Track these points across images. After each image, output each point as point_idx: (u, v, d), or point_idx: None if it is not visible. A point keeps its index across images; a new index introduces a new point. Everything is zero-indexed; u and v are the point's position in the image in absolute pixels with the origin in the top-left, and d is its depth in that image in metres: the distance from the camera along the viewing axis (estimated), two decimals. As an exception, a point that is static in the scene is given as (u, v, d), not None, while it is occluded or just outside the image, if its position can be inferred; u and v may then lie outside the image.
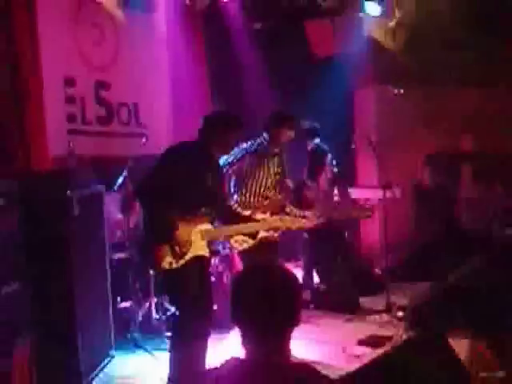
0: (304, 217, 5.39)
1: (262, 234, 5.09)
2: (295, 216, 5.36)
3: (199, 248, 4.38)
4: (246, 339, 2.13)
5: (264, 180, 5.39)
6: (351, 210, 7.05)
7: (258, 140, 5.41)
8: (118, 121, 6.87)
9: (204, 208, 4.40)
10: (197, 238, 4.36)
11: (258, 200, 5.39)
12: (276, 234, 5.31)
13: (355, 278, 7.11)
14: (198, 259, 4.38)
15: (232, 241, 5.18)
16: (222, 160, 5.07)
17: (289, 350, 2.14)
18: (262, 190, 5.39)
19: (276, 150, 5.44)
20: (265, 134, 5.39)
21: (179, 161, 4.40)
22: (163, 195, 4.24)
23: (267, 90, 8.41)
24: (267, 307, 2.08)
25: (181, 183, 4.30)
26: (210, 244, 4.51)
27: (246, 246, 5.15)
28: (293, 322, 2.14)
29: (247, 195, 5.38)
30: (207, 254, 4.46)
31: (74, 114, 6.27)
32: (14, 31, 5.27)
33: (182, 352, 4.38)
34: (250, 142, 5.41)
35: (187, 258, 4.32)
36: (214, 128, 4.52)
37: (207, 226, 4.44)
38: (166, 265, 4.28)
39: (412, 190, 8.50)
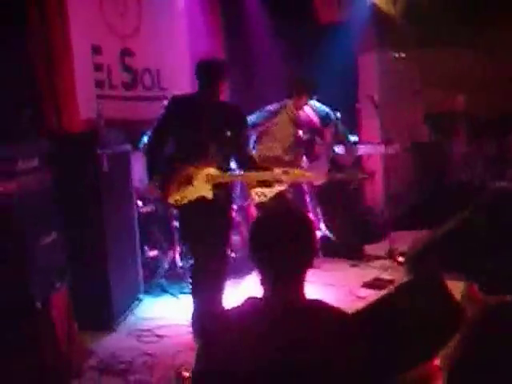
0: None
1: (276, 188, 5.07)
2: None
3: (202, 189, 4.39)
4: (264, 279, 2.12)
5: (281, 142, 5.35)
6: (348, 172, 6.91)
7: (281, 103, 5.38)
8: (142, 86, 6.84)
9: (211, 152, 4.40)
10: (201, 181, 4.38)
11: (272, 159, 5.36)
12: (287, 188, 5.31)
13: (359, 227, 7.13)
14: (203, 200, 4.40)
15: (253, 193, 5.14)
16: (248, 121, 5.07)
17: (303, 289, 2.14)
18: (278, 151, 5.36)
19: (295, 114, 5.40)
20: (287, 100, 5.35)
21: (171, 108, 4.59)
22: (160, 141, 4.49)
23: (277, 56, 8.32)
24: (284, 248, 2.07)
25: (175, 129, 4.48)
26: (220, 187, 4.46)
27: (263, 199, 5.13)
28: (308, 263, 2.13)
29: (264, 151, 5.36)
30: (210, 197, 4.41)
31: (101, 79, 6.24)
32: (44, 4, 5.22)
33: (196, 291, 4.47)
34: (274, 105, 5.37)
35: (190, 197, 4.36)
36: (200, 77, 4.52)
37: (213, 170, 4.43)
38: (171, 200, 4.42)
39: (411, 146, 8.46)
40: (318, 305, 2.14)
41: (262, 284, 2.13)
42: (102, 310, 4.83)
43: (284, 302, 2.08)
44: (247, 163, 4.68)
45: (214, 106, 4.54)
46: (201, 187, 4.38)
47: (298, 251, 2.10)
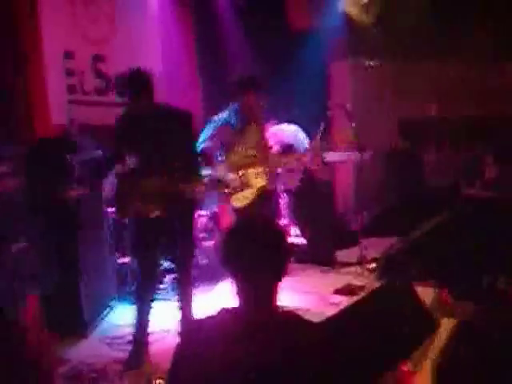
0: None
1: (256, 186, 5.14)
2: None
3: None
4: (237, 289, 2.10)
5: (248, 143, 5.23)
6: None
7: (230, 108, 5.21)
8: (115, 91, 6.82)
9: (156, 164, 4.36)
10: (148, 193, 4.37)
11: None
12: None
13: (331, 233, 7.16)
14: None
15: (233, 199, 5.10)
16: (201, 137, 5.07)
17: (276, 300, 2.12)
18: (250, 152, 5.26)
19: (251, 119, 5.22)
20: (234, 104, 5.19)
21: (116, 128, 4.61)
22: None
23: (249, 62, 8.35)
24: (256, 259, 2.06)
25: (125, 147, 4.44)
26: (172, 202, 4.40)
27: (246, 201, 5.11)
28: (281, 273, 2.11)
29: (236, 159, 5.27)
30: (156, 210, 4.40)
31: (73, 85, 6.23)
32: (15, 9, 5.21)
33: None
34: (221, 113, 5.23)
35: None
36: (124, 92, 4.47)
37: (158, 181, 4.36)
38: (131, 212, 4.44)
39: (383, 153, 8.54)
40: (291, 317, 2.14)
41: (235, 293, 2.12)
42: (74, 316, 4.80)
43: (257, 314, 2.08)
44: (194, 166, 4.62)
45: (154, 117, 4.48)
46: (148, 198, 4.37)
47: (271, 262, 2.09)
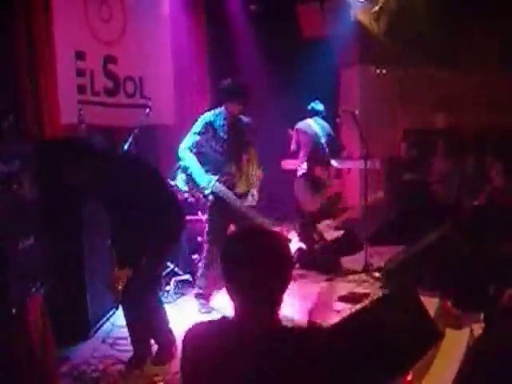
0: None
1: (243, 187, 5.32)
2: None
3: None
4: (237, 300, 2.03)
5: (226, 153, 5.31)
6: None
7: (216, 112, 5.34)
8: (124, 93, 6.86)
9: None
10: None
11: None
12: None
13: (337, 240, 7.17)
14: None
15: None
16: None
17: (278, 312, 2.04)
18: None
19: (234, 126, 5.34)
20: (222, 107, 5.33)
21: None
22: None
23: (260, 67, 8.40)
24: (259, 270, 1.97)
25: None
26: None
27: None
28: (284, 285, 2.04)
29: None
30: None
31: (83, 85, 6.25)
32: (29, 10, 5.26)
33: None
34: (208, 113, 5.35)
35: None
36: None
37: None
38: None
39: (388, 162, 8.55)
40: (293, 330, 2.06)
41: (234, 304, 2.05)
42: (78, 317, 4.81)
43: (258, 326, 2.00)
44: None
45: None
46: None
47: (274, 273, 2.00)
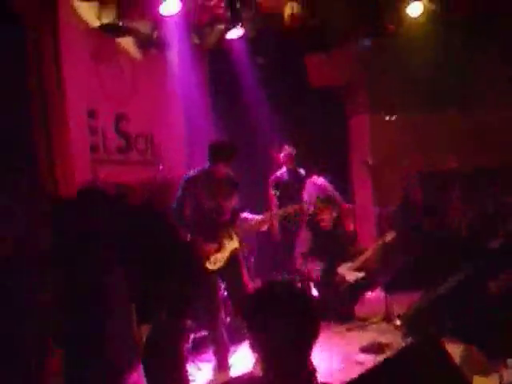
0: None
1: (233, 245, 5.34)
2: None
3: None
4: (262, 356, 1.99)
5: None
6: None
7: (201, 169, 5.42)
8: (136, 150, 6.93)
9: None
10: None
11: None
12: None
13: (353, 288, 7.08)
14: None
15: (207, 263, 5.23)
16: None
17: (308, 367, 2.00)
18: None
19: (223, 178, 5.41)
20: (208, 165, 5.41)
21: None
22: None
23: (268, 119, 8.46)
24: (285, 325, 1.95)
25: None
26: None
27: (219, 265, 5.27)
28: (312, 342, 2.02)
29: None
30: None
31: (96, 143, 6.32)
32: (42, 70, 5.37)
33: None
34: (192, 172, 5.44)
35: None
36: None
37: None
38: None
39: (402, 206, 8.53)
40: None
41: (259, 359, 2.01)
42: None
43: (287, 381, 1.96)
44: None
45: None
46: None
47: (301, 328, 1.98)
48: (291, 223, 7.10)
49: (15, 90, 4.89)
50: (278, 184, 7.37)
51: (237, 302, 5.38)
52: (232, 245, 5.38)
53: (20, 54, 5.20)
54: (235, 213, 5.53)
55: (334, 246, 7.09)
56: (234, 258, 5.40)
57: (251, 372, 2.07)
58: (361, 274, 7.01)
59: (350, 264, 7.04)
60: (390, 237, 6.95)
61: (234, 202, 5.49)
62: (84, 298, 4.54)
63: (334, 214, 7.08)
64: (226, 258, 5.32)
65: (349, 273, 7.01)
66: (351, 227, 7.19)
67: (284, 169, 7.73)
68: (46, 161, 5.32)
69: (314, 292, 7.08)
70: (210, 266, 5.23)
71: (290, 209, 6.51)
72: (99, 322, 4.55)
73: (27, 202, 4.29)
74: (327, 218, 7.05)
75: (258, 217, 6.16)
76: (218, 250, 5.30)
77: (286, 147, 7.63)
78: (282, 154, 7.63)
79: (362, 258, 7.03)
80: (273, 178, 7.66)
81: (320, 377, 2.03)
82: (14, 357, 3.51)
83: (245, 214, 5.73)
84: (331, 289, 6.96)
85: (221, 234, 5.34)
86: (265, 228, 6.35)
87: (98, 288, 4.39)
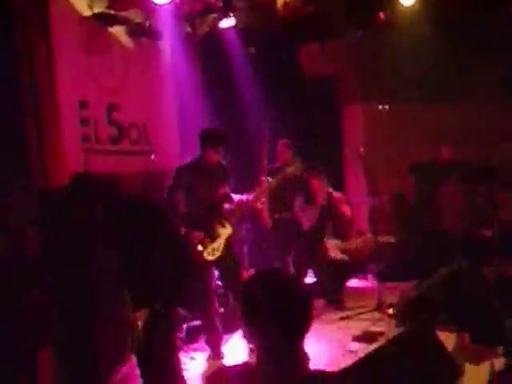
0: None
1: (227, 232, 5.34)
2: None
3: None
4: (259, 345, 2.00)
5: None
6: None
7: (193, 158, 5.43)
8: (129, 140, 6.90)
9: None
10: None
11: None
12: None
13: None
14: None
15: (205, 253, 5.23)
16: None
17: (302, 357, 2.00)
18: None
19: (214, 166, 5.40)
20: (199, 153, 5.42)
21: None
22: None
23: (261, 108, 8.44)
24: (281, 315, 1.95)
25: None
26: None
27: (218, 254, 5.28)
28: (305, 330, 2.01)
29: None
30: None
31: (88, 134, 6.29)
32: (33, 60, 5.34)
33: None
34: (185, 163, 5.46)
35: None
36: None
37: None
38: None
39: (397, 196, 8.55)
40: (318, 375, 2.03)
41: (256, 349, 2.02)
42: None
43: (282, 372, 1.97)
44: None
45: None
46: None
47: (296, 318, 1.98)
48: (293, 185, 6.90)
49: (5, 80, 4.85)
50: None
51: (235, 288, 5.38)
52: (226, 232, 5.38)
53: (10, 43, 5.17)
54: (228, 200, 5.52)
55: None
56: (228, 245, 5.40)
57: (246, 362, 2.05)
58: (345, 257, 7.02)
59: (338, 242, 7.04)
60: (383, 239, 6.97)
61: (225, 189, 5.49)
62: (74, 292, 4.54)
63: (326, 190, 7.04)
64: (222, 246, 5.32)
65: (334, 249, 7.00)
66: (348, 213, 7.14)
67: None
68: (37, 151, 5.31)
69: (308, 280, 7.12)
70: (208, 256, 5.23)
71: (283, 175, 6.42)
72: (89, 315, 4.55)
73: (19, 193, 4.26)
74: (320, 192, 7.01)
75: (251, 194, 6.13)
76: (214, 239, 5.30)
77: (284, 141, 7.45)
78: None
79: (350, 245, 7.04)
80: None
81: (313, 365, 2.02)
82: (9, 357, 3.49)
83: (235, 196, 5.69)
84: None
85: (214, 223, 5.34)
86: (259, 204, 6.22)
87: (88, 280, 4.39)
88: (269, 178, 6.14)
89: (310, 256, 6.97)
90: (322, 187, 7.00)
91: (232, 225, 5.47)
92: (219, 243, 5.31)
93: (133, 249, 3.90)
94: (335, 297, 6.85)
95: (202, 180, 5.31)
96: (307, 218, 6.99)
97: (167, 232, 4.31)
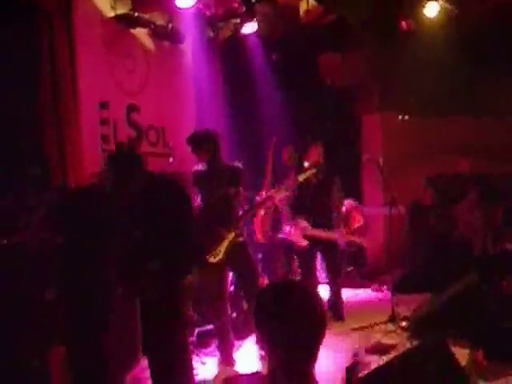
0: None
1: (232, 235, 5.26)
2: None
3: None
4: (271, 354, 1.98)
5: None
6: None
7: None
8: (147, 141, 6.93)
9: None
10: None
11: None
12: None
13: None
14: None
15: (211, 256, 5.23)
16: None
17: (314, 368, 1.99)
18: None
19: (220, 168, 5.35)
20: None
21: None
22: None
23: (281, 115, 8.45)
24: (294, 325, 1.94)
25: None
26: None
27: (219, 257, 5.22)
28: (320, 341, 2.00)
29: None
30: None
31: (107, 134, 6.33)
32: (55, 60, 5.39)
33: None
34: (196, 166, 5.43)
35: None
36: None
37: None
38: None
39: (410, 208, 8.50)
40: None
41: (267, 357, 2.01)
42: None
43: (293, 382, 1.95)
44: None
45: None
46: None
47: (309, 328, 1.97)
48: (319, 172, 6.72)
49: (27, 79, 4.90)
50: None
51: (250, 295, 5.34)
52: (230, 235, 5.28)
53: (33, 42, 5.21)
54: (235, 202, 5.48)
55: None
56: (237, 246, 5.31)
57: (256, 372, 2.04)
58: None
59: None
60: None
61: (230, 191, 5.43)
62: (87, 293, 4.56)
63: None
64: (225, 249, 5.24)
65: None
66: (355, 224, 7.08)
67: None
68: (56, 151, 5.34)
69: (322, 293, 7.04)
70: (210, 259, 5.21)
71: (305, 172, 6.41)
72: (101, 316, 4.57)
73: (37, 192, 4.30)
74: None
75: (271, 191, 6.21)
76: (217, 242, 5.24)
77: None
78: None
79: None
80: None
81: (322, 377, 2.01)
82: (18, 354, 3.52)
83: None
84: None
85: (218, 225, 5.28)
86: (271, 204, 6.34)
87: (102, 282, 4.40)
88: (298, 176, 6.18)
89: None
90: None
91: (240, 227, 5.41)
92: (222, 247, 5.25)
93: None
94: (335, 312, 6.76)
95: (203, 182, 5.34)
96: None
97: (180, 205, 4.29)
